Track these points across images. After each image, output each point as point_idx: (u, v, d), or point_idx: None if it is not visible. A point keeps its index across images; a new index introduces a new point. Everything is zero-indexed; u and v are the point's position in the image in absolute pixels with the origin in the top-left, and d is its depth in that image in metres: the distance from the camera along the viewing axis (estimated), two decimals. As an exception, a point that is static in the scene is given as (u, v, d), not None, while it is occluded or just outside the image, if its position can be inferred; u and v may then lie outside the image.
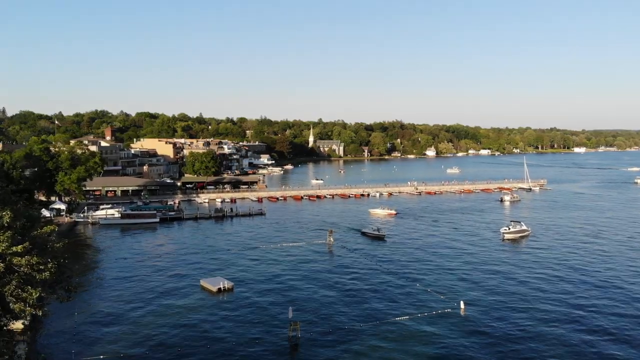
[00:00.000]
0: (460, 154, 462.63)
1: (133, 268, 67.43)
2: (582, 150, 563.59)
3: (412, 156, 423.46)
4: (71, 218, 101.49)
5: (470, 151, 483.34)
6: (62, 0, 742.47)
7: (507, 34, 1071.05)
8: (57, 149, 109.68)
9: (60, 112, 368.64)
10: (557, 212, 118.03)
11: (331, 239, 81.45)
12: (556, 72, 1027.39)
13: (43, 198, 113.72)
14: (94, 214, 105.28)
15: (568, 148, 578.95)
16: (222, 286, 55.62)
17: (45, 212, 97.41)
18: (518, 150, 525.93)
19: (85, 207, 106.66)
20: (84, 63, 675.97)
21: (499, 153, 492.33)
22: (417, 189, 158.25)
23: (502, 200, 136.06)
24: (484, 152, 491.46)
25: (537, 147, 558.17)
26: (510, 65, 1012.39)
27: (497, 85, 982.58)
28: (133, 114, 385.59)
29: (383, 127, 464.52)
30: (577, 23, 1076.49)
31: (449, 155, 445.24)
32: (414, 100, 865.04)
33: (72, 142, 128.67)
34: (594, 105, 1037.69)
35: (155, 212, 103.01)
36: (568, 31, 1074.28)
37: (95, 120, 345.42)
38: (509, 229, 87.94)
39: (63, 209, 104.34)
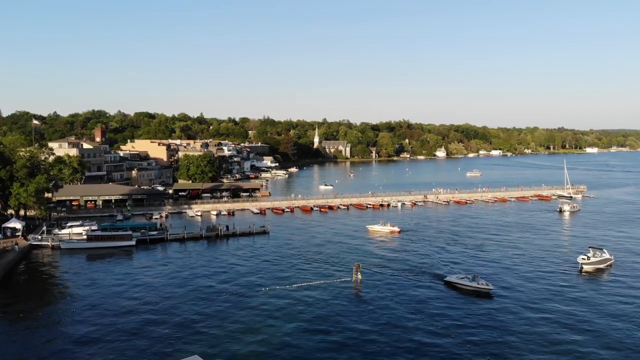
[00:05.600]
0: (471, 155, 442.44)
1: (75, 326, 47.07)
2: (595, 150, 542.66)
3: (421, 157, 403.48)
4: (27, 240, 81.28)
5: (480, 152, 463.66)
6: (63, 0, 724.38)
7: (510, 34, 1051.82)
8: (11, 154, 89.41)
9: (55, 112, 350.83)
10: (626, 226, 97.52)
11: (359, 275, 60.94)
12: (561, 72, 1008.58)
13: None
14: (58, 233, 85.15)
15: (580, 148, 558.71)
16: (202, 381, 35.07)
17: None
18: (529, 150, 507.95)
19: (44, 226, 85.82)
20: (84, 63, 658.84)
21: (510, 154, 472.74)
22: (426, 197, 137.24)
23: (561, 211, 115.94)
24: (494, 152, 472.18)
25: (548, 148, 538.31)
26: (514, 64, 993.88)
27: (501, 85, 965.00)
28: (132, 114, 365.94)
29: (390, 127, 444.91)
30: (580, 23, 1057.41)
31: (459, 156, 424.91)
32: (418, 100, 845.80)
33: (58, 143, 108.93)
34: (600, 104, 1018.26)
35: (131, 232, 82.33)
36: (572, 31, 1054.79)
37: (90, 121, 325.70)
38: (588, 258, 67.52)
39: (19, 228, 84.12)
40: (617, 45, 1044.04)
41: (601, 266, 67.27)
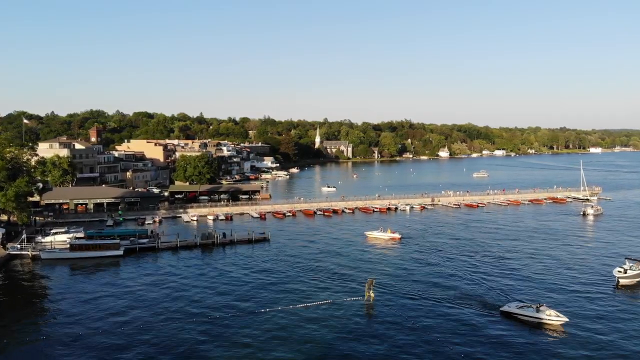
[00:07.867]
0: (474, 155, 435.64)
1: (48, 351, 40.33)
2: (599, 150, 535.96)
3: (424, 157, 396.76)
4: (6, 249, 74.44)
5: (484, 152, 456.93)
6: (63, 0, 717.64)
7: (510, 34, 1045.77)
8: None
9: (52, 112, 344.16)
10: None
11: (371, 293, 53.97)
12: (561, 72, 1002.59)
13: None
14: (40, 241, 78.25)
15: (584, 148, 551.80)
16: None
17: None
18: (533, 150, 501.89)
19: (24, 234, 78.70)
20: (84, 63, 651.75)
21: (514, 154, 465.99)
22: (433, 199, 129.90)
23: (584, 214, 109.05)
24: (498, 152, 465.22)
25: (551, 148, 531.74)
26: (514, 64, 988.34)
27: (501, 85, 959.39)
28: (131, 114, 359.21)
29: (392, 127, 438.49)
30: (580, 23, 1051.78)
31: (463, 156, 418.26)
32: (419, 100, 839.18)
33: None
34: (600, 104, 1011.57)
35: (118, 241, 75.36)
36: (572, 31, 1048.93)
37: (88, 121, 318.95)
38: (625, 271, 60.65)
39: (-3, 236, 77.31)
40: (617, 45, 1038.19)
41: (637, 280, 60.48)
